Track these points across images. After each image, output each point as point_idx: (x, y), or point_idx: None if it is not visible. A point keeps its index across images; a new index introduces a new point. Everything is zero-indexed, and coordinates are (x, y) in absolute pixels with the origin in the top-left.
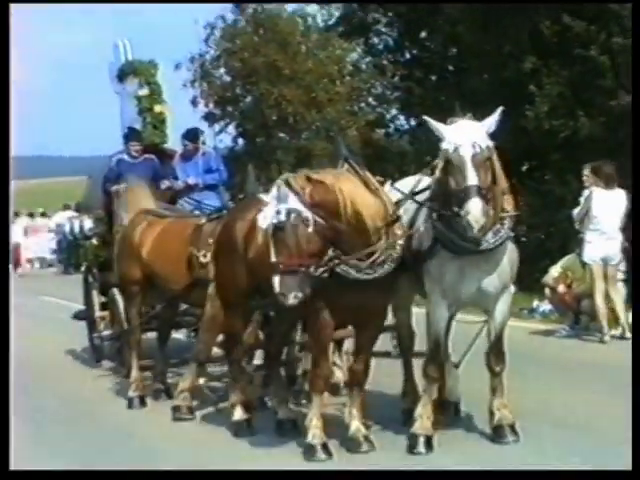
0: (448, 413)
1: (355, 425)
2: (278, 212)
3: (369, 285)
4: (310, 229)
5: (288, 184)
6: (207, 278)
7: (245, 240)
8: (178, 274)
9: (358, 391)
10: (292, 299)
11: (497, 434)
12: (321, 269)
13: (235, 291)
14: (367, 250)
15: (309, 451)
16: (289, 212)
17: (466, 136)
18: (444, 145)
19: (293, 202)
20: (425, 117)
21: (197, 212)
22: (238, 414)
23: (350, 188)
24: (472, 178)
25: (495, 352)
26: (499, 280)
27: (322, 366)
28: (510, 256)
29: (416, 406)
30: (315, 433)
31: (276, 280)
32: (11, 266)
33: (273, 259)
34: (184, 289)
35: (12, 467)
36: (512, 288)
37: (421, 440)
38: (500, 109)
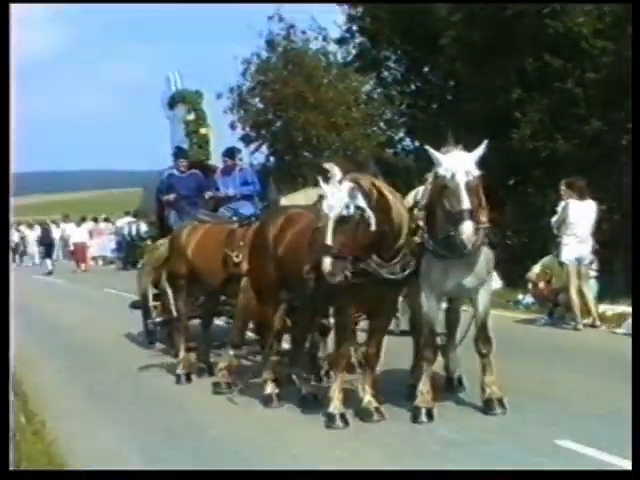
0: (453, 387)
1: (367, 398)
2: (347, 206)
3: (387, 282)
4: (373, 227)
5: (358, 184)
6: (240, 274)
7: (275, 241)
8: (216, 271)
9: (370, 370)
10: (338, 279)
11: (487, 407)
12: (351, 266)
13: (266, 284)
14: (392, 248)
15: (329, 419)
16: (357, 208)
17: (460, 165)
18: (441, 172)
19: (361, 201)
20: (426, 147)
21: (234, 218)
22: (269, 388)
23: (398, 203)
24: (466, 202)
25: (482, 337)
26: (476, 277)
27: (344, 347)
28: (485, 257)
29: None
30: (336, 405)
31: (327, 261)
32: (75, 263)
33: (329, 242)
34: (221, 283)
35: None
36: (497, 283)
37: (423, 412)
38: (485, 142)
